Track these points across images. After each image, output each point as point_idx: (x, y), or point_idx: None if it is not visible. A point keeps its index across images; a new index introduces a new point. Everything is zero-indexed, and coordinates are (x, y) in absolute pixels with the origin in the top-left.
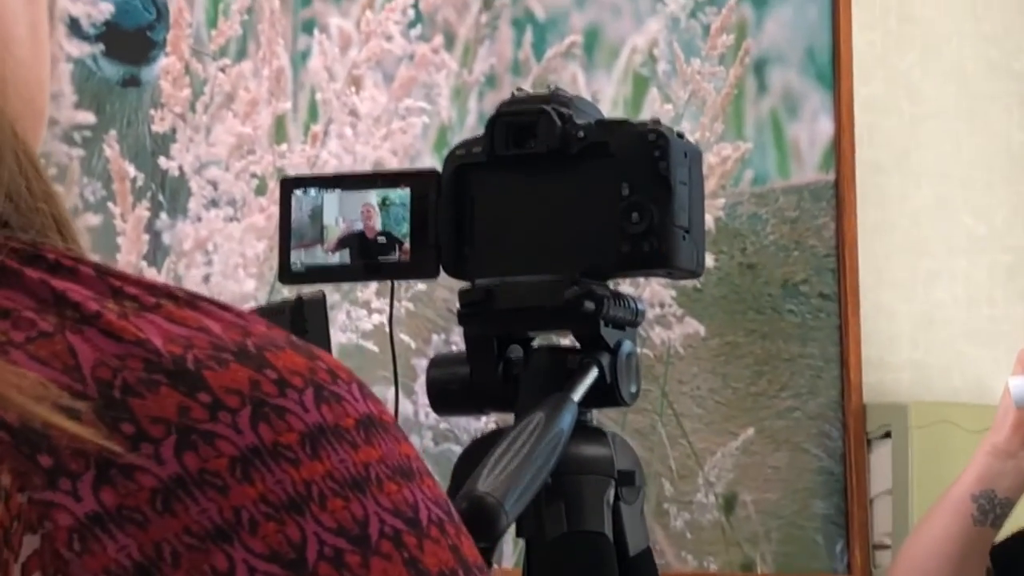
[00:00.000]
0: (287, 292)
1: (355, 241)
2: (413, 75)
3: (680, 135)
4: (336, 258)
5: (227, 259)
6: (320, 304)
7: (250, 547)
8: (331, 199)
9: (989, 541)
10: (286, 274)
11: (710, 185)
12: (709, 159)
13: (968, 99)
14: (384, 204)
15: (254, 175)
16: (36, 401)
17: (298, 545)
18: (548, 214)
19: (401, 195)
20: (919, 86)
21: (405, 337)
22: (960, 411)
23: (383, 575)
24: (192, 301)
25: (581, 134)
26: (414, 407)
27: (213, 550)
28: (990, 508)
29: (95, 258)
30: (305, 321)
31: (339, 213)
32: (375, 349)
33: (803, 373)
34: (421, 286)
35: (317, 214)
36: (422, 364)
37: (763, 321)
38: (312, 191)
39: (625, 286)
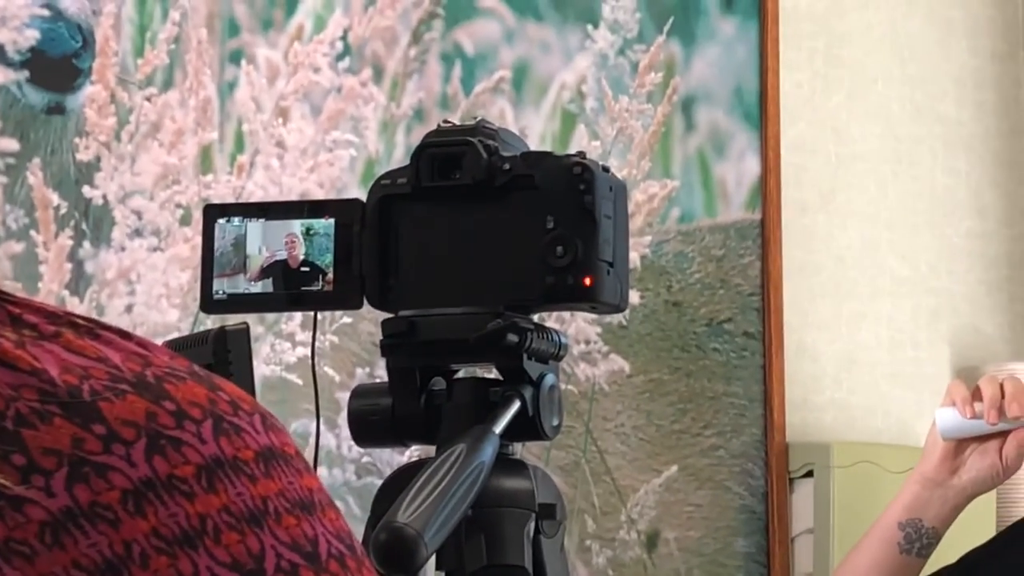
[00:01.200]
0: (211, 323)
1: (278, 271)
2: (341, 107)
3: (605, 168)
4: (259, 287)
5: (150, 289)
6: (243, 335)
7: None
8: (255, 228)
9: (916, 571)
10: (208, 303)
11: (637, 222)
12: (636, 196)
13: (894, 141)
14: (308, 234)
15: (179, 205)
16: None
17: None
18: (473, 246)
19: (325, 225)
20: (845, 128)
21: (329, 370)
22: (883, 451)
23: None
24: (93, 330)
25: (507, 166)
26: (337, 440)
27: None
28: (916, 537)
29: None
30: (228, 352)
31: (262, 242)
32: (299, 382)
33: (727, 411)
34: (346, 319)
35: (240, 243)
36: (346, 397)
37: (688, 359)
38: (236, 220)
39: (551, 321)
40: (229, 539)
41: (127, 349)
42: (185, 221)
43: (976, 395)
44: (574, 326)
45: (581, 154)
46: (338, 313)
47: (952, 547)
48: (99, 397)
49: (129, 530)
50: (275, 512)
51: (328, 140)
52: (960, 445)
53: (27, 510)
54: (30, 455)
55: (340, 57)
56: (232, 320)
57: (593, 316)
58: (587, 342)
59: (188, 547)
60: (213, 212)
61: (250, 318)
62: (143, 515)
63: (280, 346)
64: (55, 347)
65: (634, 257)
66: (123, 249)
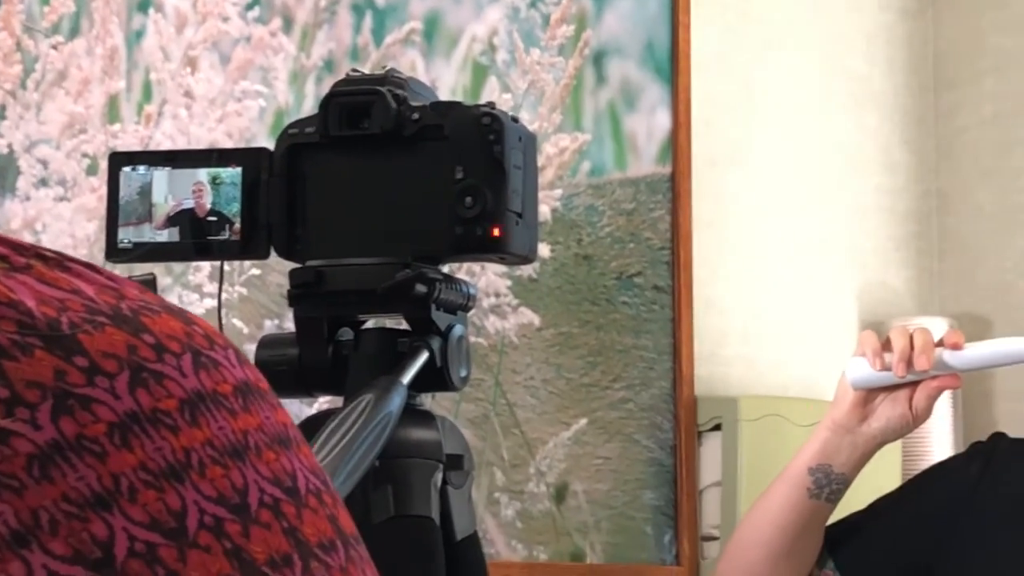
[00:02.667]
0: (118, 272)
1: (185, 219)
2: (250, 57)
3: (515, 119)
4: (165, 236)
5: (56, 239)
6: (150, 286)
7: (130, 515)
8: (160, 176)
9: (825, 516)
10: (113, 251)
11: (547, 176)
12: (547, 150)
13: (804, 97)
14: (215, 183)
15: (85, 155)
16: None
17: (178, 513)
18: (381, 196)
19: (232, 174)
20: (755, 83)
21: (238, 322)
22: (789, 405)
23: (263, 544)
24: (62, 263)
25: (416, 116)
26: None
27: (92, 518)
28: (826, 482)
29: None
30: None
31: (168, 191)
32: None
33: (636, 365)
34: (254, 271)
35: (146, 191)
36: (255, 349)
37: (598, 312)
38: (141, 168)
39: (461, 273)
40: (214, 473)
41: (98, 282)
42: (92, 171)
43: (887, 346)
44: (484, 279)
45: (490, 104)
46: (247, 264)
47: (857, 496)
48: (79, 330)
49: (116, 463)
50: (255, 447)
51: (237, 90)
52: (871, 394)
53: (14, 443)
54: (13, 388)
55: (250, 6)
56: (138, 270)
57: (503, 268)
58: (497, 295)
59: (175, 480)
60: (119, 160)
61: (157, 269)
62: (130, 448)
63: (187, 297)
64: (28, 279)
65: (544, 210)
66: (28, 199)
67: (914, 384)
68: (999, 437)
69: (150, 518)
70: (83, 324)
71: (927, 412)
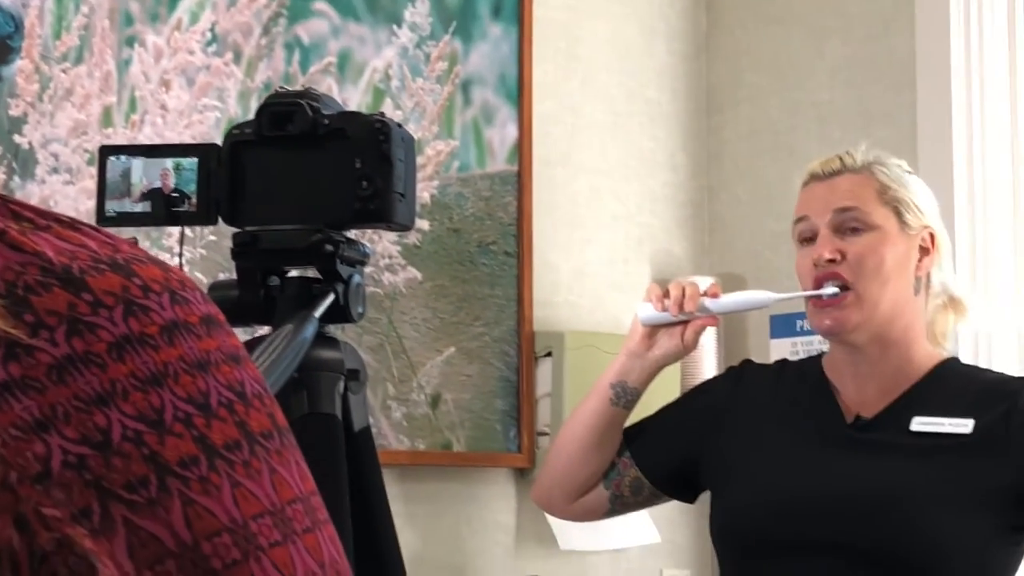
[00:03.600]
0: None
1: (155, 195)
2: (209, 81)
3: (399, 125)
4: (140, 208)
5: (64, 212)
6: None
7: (123, 410)
8: (138, 163)
9: (622, 419)
10: (101, 218)
11: (427, 171)
12: (427, 152)
13: (613, 116)
14: (177, 169)
15: (86, 150)
16: None
17: (159, 409)
18: (300, 180)
19: (190, 162)
20: (579, 105)
21: (199, 275)
22: (601, 339)
23: (220, 433)
24: (73, 224)
25: (327, 121)
26: None
27: (95, 411)
28: (623, 394)
29: None
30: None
31: (143, 174)
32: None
33: (491, 308)
34: (211, 237)
35: (127, 174)
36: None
37: (463, 270)
38: (123, 157)
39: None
40: (185, 380)
41: (100, 239)
42: (91, 163)
43: (666, 294)
44: (380, 245)
45: (381, 114)
46: (206, 231)
47: (649, 404)
48: (85, 273)
49: (114, 372)
50: (215, 362)
51: (199, 105)
52: (655, 329)
53: (37, 356)
54: (37, 315)
55: (209, 43)
56: (123, 235)
57: (394, 237)
58: (390, 257)
59: (157, 385)
60: (107, 150)
61: (138, 234)
62: (123, 361)
63: (161, 257)
64: (48, 236)
65: (425, 196)
66: (44, 182)
67: (685, 323)
68: (747, 363)
69: (138, 412)
70: (89, 270)
71: (694, 343)
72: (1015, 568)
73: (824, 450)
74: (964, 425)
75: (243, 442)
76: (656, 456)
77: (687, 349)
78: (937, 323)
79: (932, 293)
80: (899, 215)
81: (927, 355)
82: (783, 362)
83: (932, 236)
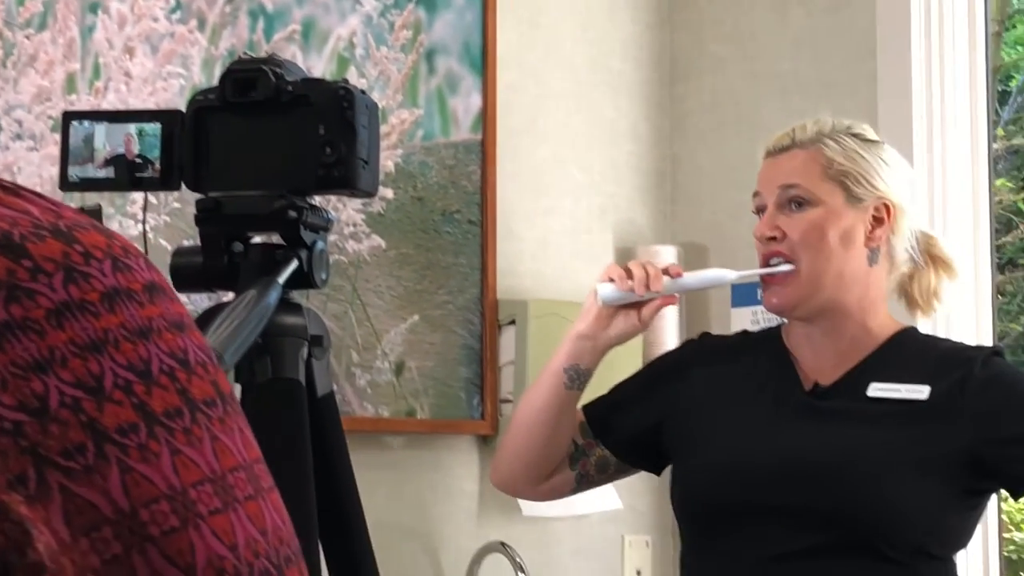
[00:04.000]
0: (73, 204)
1: (118, 161)
2: (173, 48)
3: (363, 92)
4: (103, 173)
5: (28, 179)
6: (97, 213)
7: (61, 377)
8: (100, 129)
9: (576, 399)
10: (64, 183)
11: (392, 140)
12: (392, 121)
13: (576, 85)
14: (141, 134)
15: (50, 117)
16: None
17: (98, 376)
18: (264, 146)
19: (154, 128)
20: (543, 75)
21: (163, 241)
22: (564, 307)
23: (161, 401)
24: (16, 190)
25: (290, 88)
26: None
27: (33, 378)
28: (576, 377)
29: None
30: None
31: (106, 140)
32: (140, 249)
33: (455, 277)
34: (176, 204)
35: (89, 140)
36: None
37: (427, 239)
38: (86, 122)
39: (330, 208)
40: (126, 347)
41: (43, 205)
42: (55, 129)
43: (629, 274)
44: (345, 213)
45: (345, 81)
46: (171, 197)
47: (611, 379)
48: (26, 239)
49: (52, 339)
50: (157, 329)
51: (163, 72)
52: (611, 309)
53: None
54: None
55: (173, 10)
56: (89, 200)
57: (359, 204)
58: (354, 225)
59: (96, 352)
60: (69, 116)
61: (103, 200)
62: (62, 328)
63: (126, 223)
64: None
65: (389, 165)
66: (8, 149)
67: (640, 304)
68: (705, 335)
69: (76, 379)
70: (30, 236)
71: (649, 321)
72: (970, 532)
73: (782, 417)
74: (920, 391)
75: (184, 409)
76: (621, 433)
77: (643, 327)
78: (920, 285)
79: (898, 261)
80: (846, 189)
81: (885, 324)
82: (743, 333)
83: (887, 206)
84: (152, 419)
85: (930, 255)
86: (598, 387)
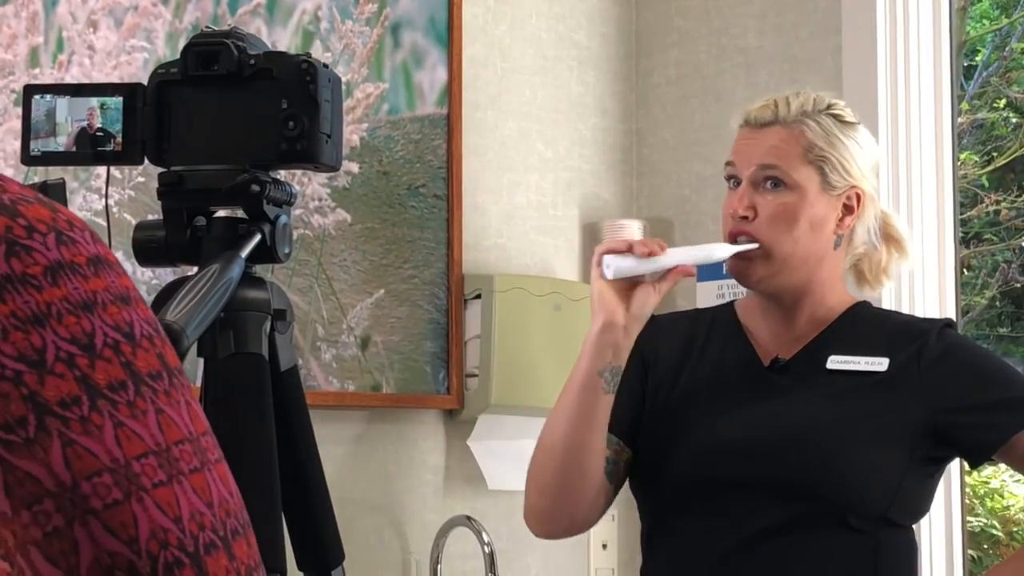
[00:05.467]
0: (37, 178)
1: (80, 135)
2: (137, 22)
3: (326, 66)
4: (64, 147)
5: None
6: (61, 188)
7: (2, 350)
8: (63, 103)
9: (611, 405)
10: (26, 157)
11: (357, 114)
12: (356, 95)
13: (542, 60)
14: (103, 108)
15: (13, 91)
16: None
17: (40, 349)
18: (226, 120)
19: (116, 102)
20: (508, 49)
21: (127, 215)
22: (529, 281)
23: (104, 374)
24: None
25: (252, 62)
26: (132, 267)
27: None
28: (612, 378)
29: None
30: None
31: (69, 114)
32: (103, 224)
33: (420, 251)
34: (140, 178)
35: (51, 114)
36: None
37: (393, 213)
38: (48, 96)
39: (294, 183)
40: (69, 321)
41: None
42: (18, 103)
43: (630, 249)
44: (310, 187)
45: (308, 54)
46: (135, 172)
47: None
48: None
49: None
50: (102, 302)
51: (127, 45)
52: (628, 293)
53: None
54: None
55: None
56: (53, 174)
57: (324, 179)
58: (320, 199)
59: (38, 325)
60: (31, 90)
61: (66, 175)
62: (3, 301)
63: (90, 197)
64: None
65: (354, 139)
66: None
67: (641, 278)
68: (654, 318)
69: (18, 352)
70: None
71: (666, 291)
72: (929, 500)
73: (743, 392)
74: (879, 363)
75: (129, 382)
76: (632, 428)
77: (658, 299)
78: (871, 261)
79: (855, 243)
80: (823, 174)
81: (840, 300)
82: (696, 311)
83: (858, 196)
84: (95, 392)
85: (885, 234)
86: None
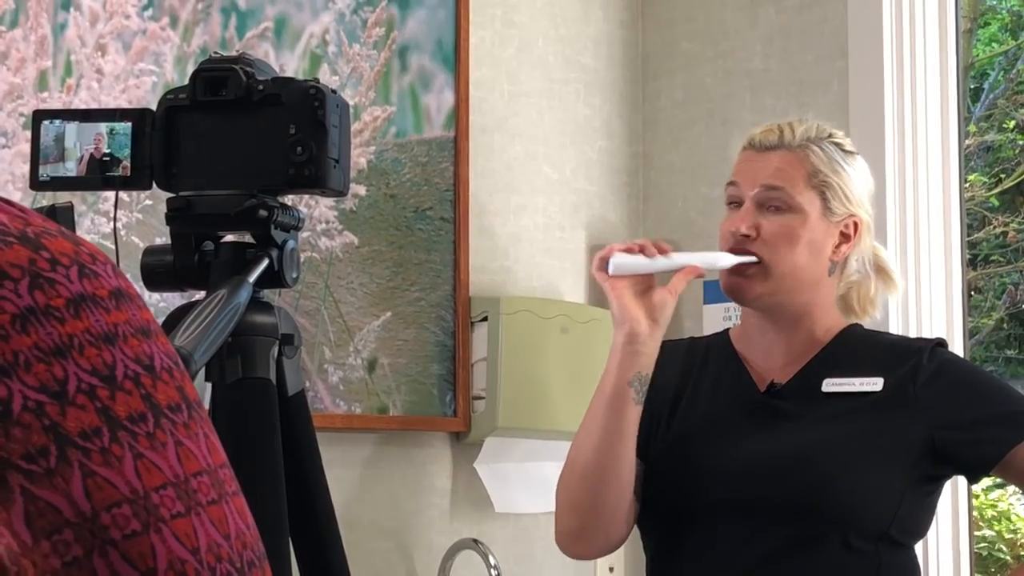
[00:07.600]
0: (45, 201)
1: (88, 160)
2: (146, 45)
3: (334, 91)
4: (73, 172)
5: (0, 176)
6: (69, 211)
7: (25, 381)
8: (71, 128)
9: (639, 415)
10: (35, 182)
11: (364, 137)
12: (364, 118)
13: (549, 83)
14: (111, 133)
15: (22, 114)
16: None
17: (62, 381)
18: (235, 145)
19: (124, 127)
20: (515, 72)
21: (136, 239)
22: (536, 303)
23: (124, 406)
24: None
25: (261, 87)
26: (139, 289)
27: None
28: (641, 387)
29: None
30: (57, 223)
31: (77, 139)
32: (111, 247)
33: (427, 273)
34: (148, 201)
35: (60, 139)
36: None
37: (400, 235)
38: (57, 121)
39: (302, 206)
40: (90, 352)
41: (11, 212)
42: (27, 127)
43: (640, 250)
44: (318, 210)
45: (316, 79)
46: (143, 195)
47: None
48: None
49: (16, 343)
50: (123, 335)
51: (136, 69)
52: (647, 298)
53: None
54: None
55: (145, 7)
56: (60, 199)
57: (331, 202)
58: (327, 222)
59: (60, 357)
60: (40, 115)
61: (75, 199)
62: (27, 333)
63: (98, 220)
64: None
65: (362, 162)
66: None
67: (650, 277)
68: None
69: (40, 384)
70: None
71: (679, 289)
72: (929, 518)
73: (741, 418)
74: (874, 383)
75: (148, 414)
76: (644, 446)
77: (673, 298)
78: (860, 291)
79: (848, 271)
80: (824, 199)
81: (833, 323)
82: (691, 339)
83: (856, 224)
84: (115, 423)
85: (875, 266)
86: (581, 396)
